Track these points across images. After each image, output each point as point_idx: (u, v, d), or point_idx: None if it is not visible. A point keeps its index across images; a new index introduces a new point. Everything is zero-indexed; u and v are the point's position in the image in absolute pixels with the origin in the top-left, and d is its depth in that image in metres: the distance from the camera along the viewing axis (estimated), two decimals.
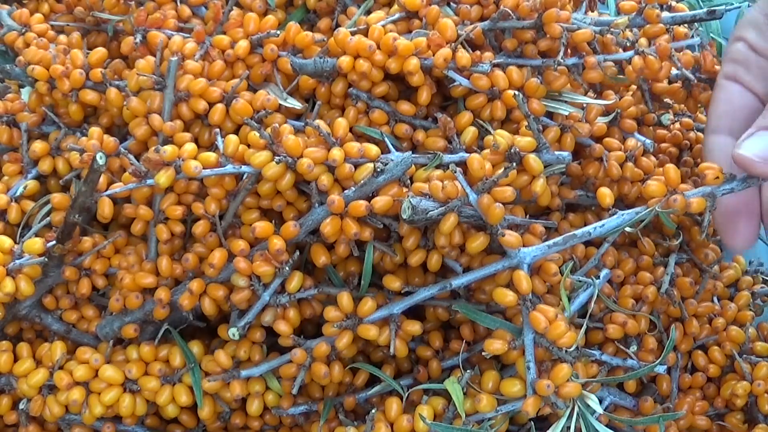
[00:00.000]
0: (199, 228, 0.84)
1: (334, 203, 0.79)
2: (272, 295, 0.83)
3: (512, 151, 0.82)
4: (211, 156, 0.82)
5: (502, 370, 0.85)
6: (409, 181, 0.82)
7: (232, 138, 0.83)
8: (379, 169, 0.80)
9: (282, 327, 0.82)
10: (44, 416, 0.85)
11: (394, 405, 0.81)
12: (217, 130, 0.85)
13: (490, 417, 0.77)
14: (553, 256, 0.84)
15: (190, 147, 0.82)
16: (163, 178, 0.80)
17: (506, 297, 0.78)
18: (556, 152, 0.85)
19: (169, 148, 0.81)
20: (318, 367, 0.83)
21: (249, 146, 0.83)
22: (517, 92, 0.84)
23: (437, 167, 0.84)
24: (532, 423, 0.79)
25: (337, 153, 0.81)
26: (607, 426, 0.77)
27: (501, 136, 0.83)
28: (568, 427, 0.74)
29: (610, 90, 0.96)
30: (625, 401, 0.89)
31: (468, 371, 0.79)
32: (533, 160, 0.82)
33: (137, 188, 0.83)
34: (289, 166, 0.81)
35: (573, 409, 0.75)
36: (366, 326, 0.81)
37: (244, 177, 0.83)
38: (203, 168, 0.81)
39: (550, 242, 0.80)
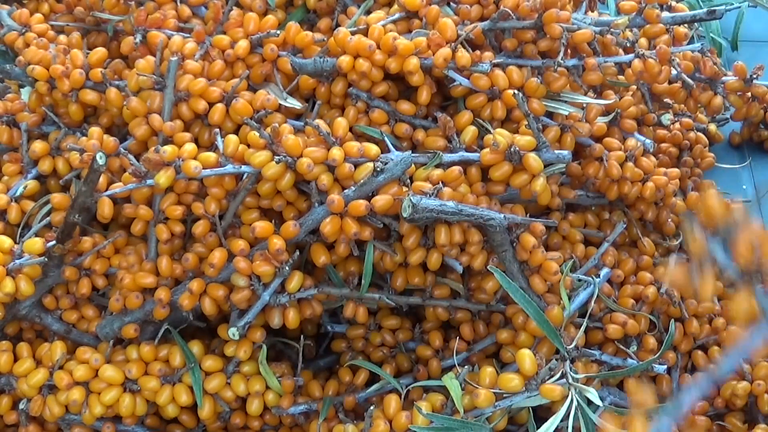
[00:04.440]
0: (199, 228, 0.84)
1: (333, 203, 0.79)
2: (272, 294, 0.82)
3: (512, 149, 0.82)
4: (211, 156, 0.82)
5: (501, 369, 0.85)
6: (408, 181, 0.82)
7: (232, 138, 0.83)
8: (379, 169, 0.80)
9: None
10: (44, 416, 0.85)
11: (392, 402, 0.81)
12: (217, 130, 0.85)
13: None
14: (554, 254, 0.84)
15: (190, 147, 0.82)
16: (163, 178, 0.80)
17: None
18: (556, 151, 0.85)
19: (169, 148, 0.81)
20: None
21: (249, 146, 0.83)
22: (516, 91, 0.84)
23: (437, 166, 0.84)
24: (531, 411, 0.79)
25: (336, 152, 0.80)
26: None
27: (501, 135, 0.83)
28: (568, 415, 0.74)
29: (610, 90, 0.96)
30: (625, 401, 0.89)
31: (466, 367, 0.79)
32: (533, 159, 0.82)
33: (137, 188, 0.83)
34: (289, 165, 0.81)
35: (571, 402, 0.75)
36: None
37: (244, 177, 0.83)
38: (203, 168, 0.81)
39: None
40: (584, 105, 0.91)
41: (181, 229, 0.86)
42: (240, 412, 0.88)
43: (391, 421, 0.80)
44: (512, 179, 0.83)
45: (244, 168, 0.82)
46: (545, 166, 0.83)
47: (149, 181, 0.82)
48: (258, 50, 0.92)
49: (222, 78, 0.90)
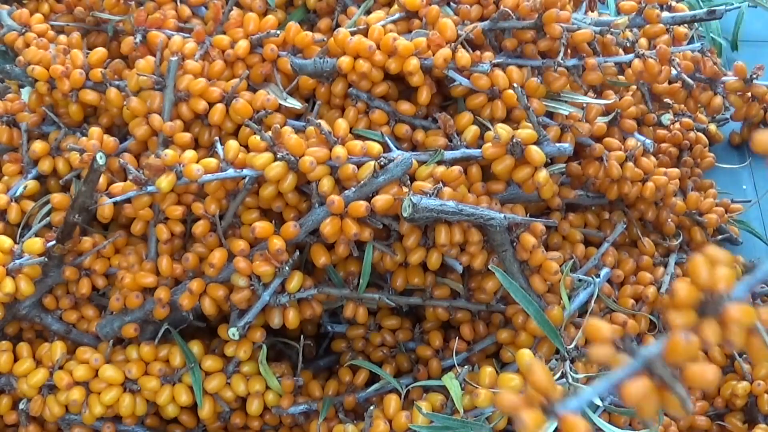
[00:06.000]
0: (199, 228, 0.84)
1: (333, 204, 0.79)
2: (272, 295, 0.82)
3: (514, 141, 0.81)
4: (211, 162, 0.82)
5: (501, 369, 0.85)
6: (409, 182, 0.82)
7: (233, 144, 0.83)
8: (381, 164, 0.80)
9: None
10: (44, 416, 0.85)
11: (392, 402, 0.81)
12: (217, 138, 0.84)
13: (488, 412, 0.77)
14: (554, 254, 0.84)
15: (190, 154, 0.82)
16: (165, 182, 0.80)
17: None
18: (558, 144, 0.85)
19: (170, 152, 0.81)
20: None
21: (248, 150, 0.82)
22: (516, 85, 0.84)
23: (438, 163, 0.84)
24: None
25: (340, 150, 0.80)
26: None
27: (502, 129, 0.82)
28: None
29: (610, 90, 0.96)
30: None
31: (466, 367, 0.79)
32: (535, 151, 0.82)
33: (138, 196, 0.82)
34: (291, 165, 0.81)
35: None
36: None
37: (246, 180, 0.83)
38: (205, 173, 0.81)
39: None
40: (584, 105, 0.91)
41: (181, 229, 0.86)
42: (240, 412, 0.88)
43: (391, 421, 0.80)
44: (515, 173, 0.83)
45: (246, 171, 0.82)
46: (546, 164, 0.83)
47: (150, 188, 0.81)
48: (258, 50, 0.92)
49: (222, 78, 0.90)
